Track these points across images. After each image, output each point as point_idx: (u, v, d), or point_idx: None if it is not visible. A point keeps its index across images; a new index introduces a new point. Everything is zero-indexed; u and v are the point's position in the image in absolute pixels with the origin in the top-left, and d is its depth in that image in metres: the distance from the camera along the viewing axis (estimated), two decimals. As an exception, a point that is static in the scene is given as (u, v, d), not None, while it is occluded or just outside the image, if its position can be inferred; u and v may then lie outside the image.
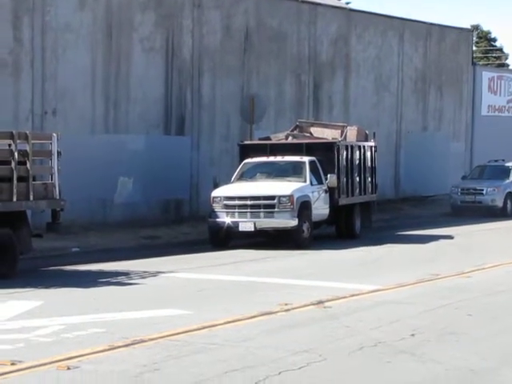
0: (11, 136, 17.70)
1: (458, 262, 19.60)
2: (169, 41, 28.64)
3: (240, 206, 22.70)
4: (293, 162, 24.33)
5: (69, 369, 9.20)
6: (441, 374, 9.49)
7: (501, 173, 35.95)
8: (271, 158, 24.57)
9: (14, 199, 17.38)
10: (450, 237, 25.89)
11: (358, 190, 26.33)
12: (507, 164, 36.37)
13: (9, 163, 17.40)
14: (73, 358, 9.64)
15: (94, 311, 12.93)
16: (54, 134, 18.87)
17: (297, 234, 22.68)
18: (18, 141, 17.69)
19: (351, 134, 26.58)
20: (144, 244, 22.37)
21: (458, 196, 35.22)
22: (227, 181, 23.83)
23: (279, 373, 9.09)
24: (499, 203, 34.60)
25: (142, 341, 10.64)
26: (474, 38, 49.69)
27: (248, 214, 22.57)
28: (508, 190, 35.40)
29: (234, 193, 23.05)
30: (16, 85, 24.14)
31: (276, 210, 22.52)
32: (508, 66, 62.40)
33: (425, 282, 16.63)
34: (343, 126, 27.20)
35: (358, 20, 37.25)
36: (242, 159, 24.87)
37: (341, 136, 26.12)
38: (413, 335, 11.40)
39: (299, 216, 22.63)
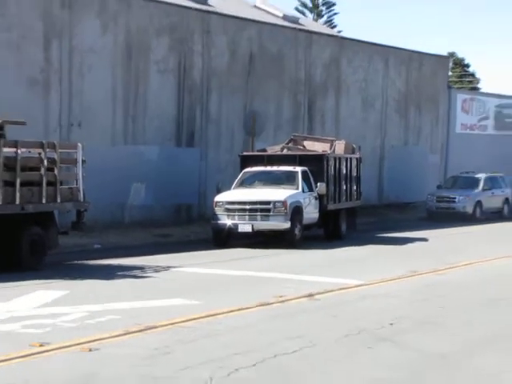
0: (41, 145, 17.78)
1: (434, 260, 19.61)
2: (181, 63, 28.68)
3: (239, 210, 22.72)
4: (287, 171, 24.30)
5: (90, 350, 9.33)
6: (416, 358, 9.60)
7: (471, 183, 35.99)
8: (268, 168, 24.61)
9: (44, 201, 17.47)
10: (425, 239, 25.96)
11: (344, 197, 26.37)
12: (477, 175, 36.42)
13: (39, 169, 17.47)
14: (94, 342, 9.75)
15: (112, 300, 12.95)
16: (79, 144, 18.95)
17: (289, 235, 22.70)
18: (47, 150, 17.75)
19: (339, 147, 26.64)
20: (157, 242, 22.39)
21: (433, 203, 35.26)
22: (230, 187, 23.84)
23: (275, 356, 9.22)
24: (469, 210, 34.65)
25: (154, 327, 10.74)
26: (450, 64, 49.54)
27: (246, 216, 22.61)
28: (477, 199, 35.49)
29: (235, 198, 23.09)
30: (46, 100, 24.19)
31: (271, 213, 22.60)
32: (479, 89, 62.24)
33: (404, 278, 16.68)
34: (332, 140, 27.28)
35: (349, 47, 37.34)
36: (242, 168, 24.90)
37: (330, 149, 26.20)
38: (392, 324, 11.48)
39: (292, 219, 22.68)
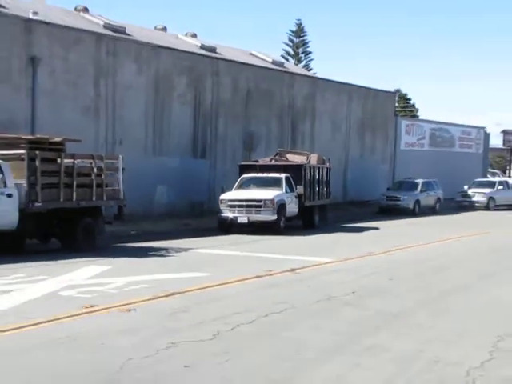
0: (92, 157, 17.80)
1: (384, 244, 19.64)
2: (196, 96, 28.72)
3: (239, 206, 22.61)
4: (274, 177, 24.21)
5: (128, 310, 9.39)
6: (371, 315, 9.63)
7: (412, 186, 35.87)
8: (260, 174, 24.51)
9: (94, 199, 17.48)
10: (378, 228, 25.98)
11: (317, 196, 26.32)
12: (416, 180, 36.32)
13: (90, 175, 17.49)
14: (130, 304, 9.82)
15: (144, 273, 12.98)
16: (120, 156, 18.99)
17: (276, 225, 22.64)
18: (97, 160, 17.77)
19: (313, 159, 26.68)
20: (177, 230, 22.40)
21: (384, 201, 35.13)
22: (232, 189, 23.85)
23: (266, 315, 9.33)
24: (411, 206, 34.62)
25: (176, 293, 10.77)
26: (396, 98, 49.69)
27: (244, 211, 22.53)
28: (416, 198, 35.37)
29: (235, 197, 22.99)
30: (96, 123, 24.24)
31: (262, 209, 22.54)
32: (418, 116, 62.33)
33: (362, 257, 16.67)
34: (308, 154, 27.33)
35: (321, 85, 37.36)
36: (240, 174, 24.78)
37: (306, 160, 26.20)
38: (353, 292, 11.48)
39: (277, 213, 22.65)
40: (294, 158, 26.43)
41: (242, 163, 26.10)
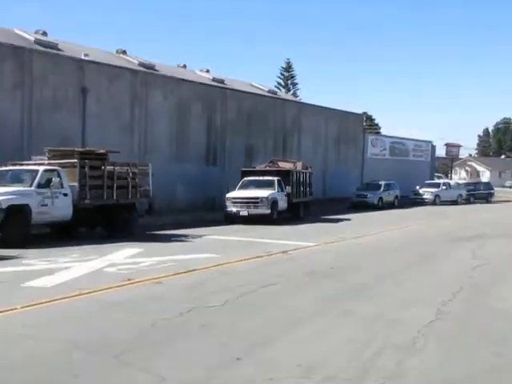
0: (128, 164, 17.88)
1: (356, 231, 19.70)
2: (208, 117, 28.76)
3: (240, 202, 22.52)
4: (268, 179, 24.04)
5: (158, 283, 9.38)
6: (347, 286, 9.68)
7: (376, 186, 35.82)
8: (257, 177, 24.41)
9: (129, 197, 17.54)
10: (349, 219, 26.02)
11: (302, 195, 26.33)
12: (380, 182, 36.19)
13: (127, 179, 17.53)
14: (160, 278, 9.83)
15: (169, 254, 12.98)
16: (149, 164, 19.05)
17: (270, 217, 22.54)
18: (132, 167, 17.86)
19: (299, 165, 26.67)
20: (194, 221, 22.31)
21: (355, 198, 34.96)
22: (235, 189, 23.83)
23: (264, 286, 9.36)
24: (375, 202, 34.54)
25: (195, 270, 10.79)
26: (364, 118, 49.69)
27: (245, 206, 22.43)
28: (380, 195, 35.30)
29: (238, 195, 22.93)
30: (131, 138, 24.29)
31: (259, 204, 22.47)
32: (380, 132, 62.39)
33: (338, 242, 16.70)
34: (295, 162, 27.29)
35: (305, 108, 37.41)
36: (242, 177, 24.69)
37: (293, 166, 26.21)
38: (331, 268, 11.51)
39: (271, 208, 22.62)
40: (284, 165, 26.42)
41: (243, 169, 26.01)
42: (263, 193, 22.88)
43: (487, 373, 5.50)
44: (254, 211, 22.48)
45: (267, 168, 25.90)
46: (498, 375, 5.45)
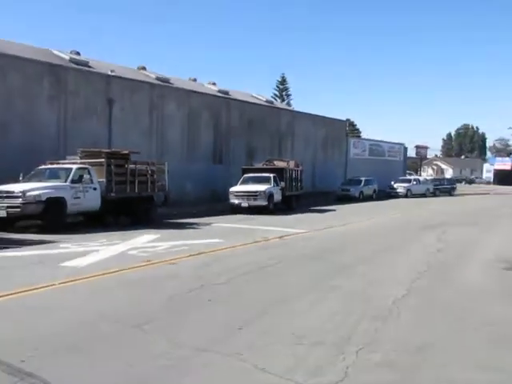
0: (147, 163, 17.82)
1: (340, 220, 19.62)
2: (215, 123, 28.62)
3: (242, 195, 22.33)
4: (265, 176, 23.84)
5: (173, 264, 9.37)
6: (333, 266, 9.65)
7: (358, 182, 35.61)
8: (256, 174, 24.19)
9: (149, 191, 17.51)
10: (335, 210, 25.91)
11: (294, 189, 26.23)
12: (360, 178, 36.05)
13: (146, 175, 17.49)
14: (174, 260, 9.81)
15: (181, 239, 12.94)
16: (166, 162, 18.98)
17: (267, 208, 22.39)
18: (150, 165, 17.82)
19: (292, 164, 26.57)
20: (203, 211, 22.22)
21: (339, 192, 34.69)
22: (237, 184, 23.67)
23: (262, 267, 9.33)
24: (357, 195, 34.28)
25: (203, 252, 10.75)
26: (347, 124, 49.61)
27: (246, 198, 22.28)
28: (361, 190, 35.12)
29: (239, 189, 22.72)
30: (149, 141, 24.19)
31: (258, 197, 22.30)
32: (361, 136, 62.25)
33: (325, 229, 16.61)
34: (288, 160, 27.17)
35: (298, 115, 37.21)
36: (243, 174, 24.52)
37: (287, 164, 26.09)
38: (320, 251, 11.48)
39: (268, 200, 22.50)
40: (279, 163, 26.30)
41: (244, 167, 25.86)
42: (261, 187, 22.68)
43: (450, 336, 5.56)
44: (253, 203, 22.29)
45: (264, 166, 25.76)
46: (459, 337, 5.54)
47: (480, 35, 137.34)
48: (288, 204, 25.16)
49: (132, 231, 14.43)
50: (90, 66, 23.99)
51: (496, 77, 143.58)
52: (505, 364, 4.80)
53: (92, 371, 4.39)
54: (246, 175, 24.32)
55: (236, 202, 22.37)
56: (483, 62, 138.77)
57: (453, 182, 50.94)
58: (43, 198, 13.71)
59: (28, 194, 13.59)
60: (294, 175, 26.30)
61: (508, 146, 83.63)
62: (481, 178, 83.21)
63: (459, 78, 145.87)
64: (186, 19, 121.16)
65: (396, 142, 52.22)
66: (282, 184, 24.17)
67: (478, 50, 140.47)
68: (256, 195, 22.39)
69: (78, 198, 14.85)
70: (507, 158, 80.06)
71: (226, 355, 4.75)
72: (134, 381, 4.24)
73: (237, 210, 22.27)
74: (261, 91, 44.70)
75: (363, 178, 35.99)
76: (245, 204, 22.24)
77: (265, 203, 22.41)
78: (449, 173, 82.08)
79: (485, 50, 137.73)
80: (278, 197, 23.81)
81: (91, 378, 4.25)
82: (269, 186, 23.09)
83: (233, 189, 22.96)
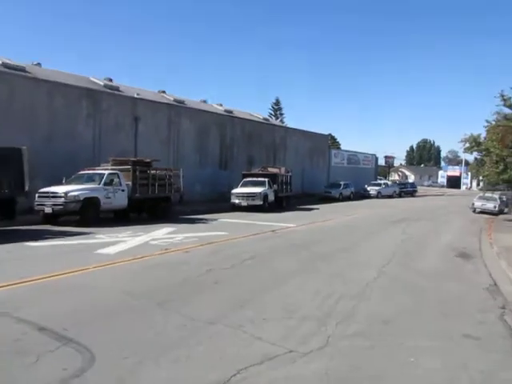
0: (166, 169, 17.68)
1: (323, 216, 19.55)
2: (221, 136, 28.39)
3: (242, 196, 21.89)
4: (261, 180, 23.42)
5: (186, 252, 9.33)
6: (316, 254, 9.58)
7: (338, 185, 34.91)
8: (253, 178, 23.70)
9: (167, 192, 17.38)
10: (319, 208, 25.74)
11: (285, 191, 25.65)
12: (340, 182, 35.48)
13: (165, 179, 17.40)
14: (188, 249, 9.72)
15: (193, 232, 12.88)
16: (181, 168, 18.88)
17: (262, 207, 21.86)
18: (168, 171, 17.71)
19: (283, 170, 26.16)
20: (212, 209, 22.17)
21: (323, 193, 33.82)
22: (237, 186, 23.23)
23: (259, 254, 9.30)
24: (337, 196, 33.67)
25: (212, 242, 10.68)
26: (329, 138, 49.51)
27: (245, 198, 21.84)
28: (340, 191, 34.40)
29: (240, 191, 22.16)
30: (167, 150, 23.93)
31: (255, 197, 21.86)
32: (340, 147, 62.04)
33: (311, 224, 16.54)
34: (280, 167, 26.79)
35: (289, 131, 36.87)
36: (242, 178, 23.94)
37: (279, 171, 25.72)
38: (306, 242, 11.43)
39: (263, 200, 22.13)
40: (272, 170, 25.83)
41: (243, 172, 25.35)
42: (258, 189, 22.32)
43: (409, 311, 5.62)
44: (251, 202, 21.90)
45: (260, 171, 25.34)
46: (417, 311, 5.60)
47: (442, 62, 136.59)
48: (280, 203, 24.88)
49: (153, 225, 14.34)
50: (119, 90, 23.97)
51: (450, 100, 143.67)
52: (451, 334, 4.86)
53: (122, 338, 4.41)
54: (245, 179, 23.89)
55: (237, 201, 21.97)
56: (441, 85, 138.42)
57: (414, 185, 50.96)
58: (81, 198, 13.72)
59: (69, 194, 13.59)
60: (284, 179, 25.98)
61: (457, 156, 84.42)
62: (436, 182, 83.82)
63: (421, 99, 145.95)
64: (197, 52, 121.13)
65: (369, 152, 52.29)
66: (275, 187, 23.84)
67: (436, 76, 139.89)
68: (254, 196, 21.99)
69: (109, 197, 14.80)
70: (457, 167, 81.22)
71: (231, 327, 4.78)
72: (159, 346, 4.25)
73: (237, 208, 21.86)
74: (259, 110, 44.67)
75: (342, 182, 35.76)
76: (244, 203, 21.83)
77: (260, 202, 22.01)
78: (411, 178, 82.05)
79: (442, 76, 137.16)
80: (271, 197, 23.45)
81: (121, 344, 4.26)
82: (264, 189, 22.68)
83: (234, 190, 22.57)
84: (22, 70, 19.36)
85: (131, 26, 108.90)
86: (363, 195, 38.80)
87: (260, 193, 21.87)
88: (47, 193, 13.73)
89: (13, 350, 4.01)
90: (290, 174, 27.21)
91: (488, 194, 26.28)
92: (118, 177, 15.35)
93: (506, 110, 18.49)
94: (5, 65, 18.88)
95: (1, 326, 4.60)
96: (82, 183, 14.70)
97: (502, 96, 18.31)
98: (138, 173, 16.15)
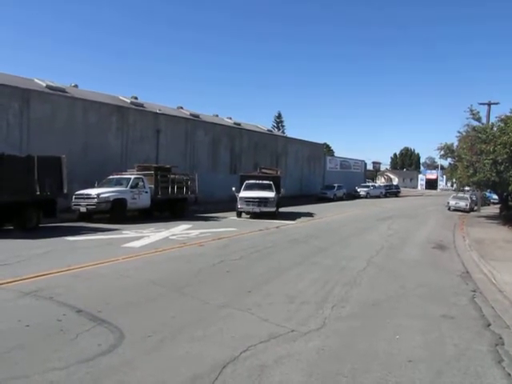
0: (183, 174, 17.69)
1: (319, 214, 19.19)
2: (231, 146, 28.35)
3: (253, 202, 17.16)
4: (266, 183, 18.82)
5: (201, 245, 9.31)
6: (314, 248, 9.56)
7: (332, 187, 34.58)
8: (257, 181, 19.09)
9: (184, 193, 17.31)
10: (316, 207, 25.52)
11: (280, 192, 22.65)
12: (334, 184, 35.09)
13: (182, 183, 17.34)
14: (202, 243, 9.70)
15: (207, 228, 12.83)
16: (196, 173, 18.86)
17: (275, 213, 17.29)
18: (185, 175, 17.67)
19: (280, 172, 25.31)
20: (222, 209, 22.06)
21: (319, 194, 33.27)
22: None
23: (264, 248, 9.25)
24: (331, 196, 32.63)
25: (223, 237, 10.64)
26: (324, 146, 49.26)
27: (256, 204, 17.07)
28: (334, 192, 33.87)
29: (249, 195, 17.47)
30: (184, 159, 23.93)
31: (269, 203, 17.13)
32: (334, 154, 61.69)
33: (309, 221, 16.45)
34: (276, 169, 24.44)
35: (290, 140, 36.68)
36: (241, 180, 19.52)
37: (276, 172, 22.62)
38: (305, 237, 11.35)
39: (276, 205, 17.62)
40: (268, 171, 23.13)
41: (242, 174, 21.24)
42: (269, 194, 17.57)
43: (394, 295, 5.59)
44: (264, 209, 17.03)
45: (258, 174, 21.92)
46: (400, 295, 5.58)
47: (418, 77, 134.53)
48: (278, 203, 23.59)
49: (172, 222, 14.35)
50: (144, 107, 24.07)
51: (428, 117, 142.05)
52: (430, 314, 4.87)
53: (148, 319, 4.44)
54: (247, 182, 18.95)
55: (245, 207, 16.90)
56: (419, 97, 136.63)
57: (398, 187, 50.68)
58: (111, 199, 13.83)
59: (101, 196, 13.70)
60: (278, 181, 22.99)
61: (434, 162, 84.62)
62: (416, 184, 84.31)
63: (402, 113, 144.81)
64: (212, 72, 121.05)
65: (358, 158, 52.01)
66: (283, 191, 19.31)
67: (415, 89, 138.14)
68: (266, 201, 17.20)
69: (135, 198, 14.88)
70: (434, 171, 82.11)
71: (240, 310, 4.79)
72: (178, 326, 4.28)
73: (241, 213, 17.23)
74: (263, 123, 44.52)
75: (336, 185, 35.54)
76: (256, 209, 16.87)
77: (274, 209, 17.18)
78: (395, 181, 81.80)
79: (419, 89, 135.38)
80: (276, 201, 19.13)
81: (146, 324, 4.29)
82: (274, 194, 17.82)
83: (242, 194, 17.79)
84: (63, 90, 19.58)
85: (142, 53, 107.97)
86: (354, 196, 38.53)
87: (274, 198, 17.16)
88: (82, 195, 13.86)
89: (57, 328, 4.06)
90: (282, 175, 23.55)
91: (460, 194, 26.12)
92: (143, 181, 15.44)
93: (475, 123, 18.93)
94: (49, 87, 19.10)
95: (46, 308, 4.65)
96: (111, 186, 14.80)
97: (471, 110, 18.92)
98: (159, 177, 16.21)
